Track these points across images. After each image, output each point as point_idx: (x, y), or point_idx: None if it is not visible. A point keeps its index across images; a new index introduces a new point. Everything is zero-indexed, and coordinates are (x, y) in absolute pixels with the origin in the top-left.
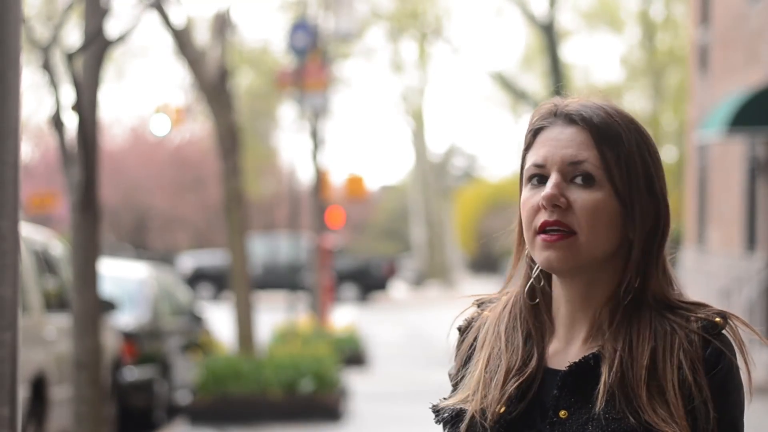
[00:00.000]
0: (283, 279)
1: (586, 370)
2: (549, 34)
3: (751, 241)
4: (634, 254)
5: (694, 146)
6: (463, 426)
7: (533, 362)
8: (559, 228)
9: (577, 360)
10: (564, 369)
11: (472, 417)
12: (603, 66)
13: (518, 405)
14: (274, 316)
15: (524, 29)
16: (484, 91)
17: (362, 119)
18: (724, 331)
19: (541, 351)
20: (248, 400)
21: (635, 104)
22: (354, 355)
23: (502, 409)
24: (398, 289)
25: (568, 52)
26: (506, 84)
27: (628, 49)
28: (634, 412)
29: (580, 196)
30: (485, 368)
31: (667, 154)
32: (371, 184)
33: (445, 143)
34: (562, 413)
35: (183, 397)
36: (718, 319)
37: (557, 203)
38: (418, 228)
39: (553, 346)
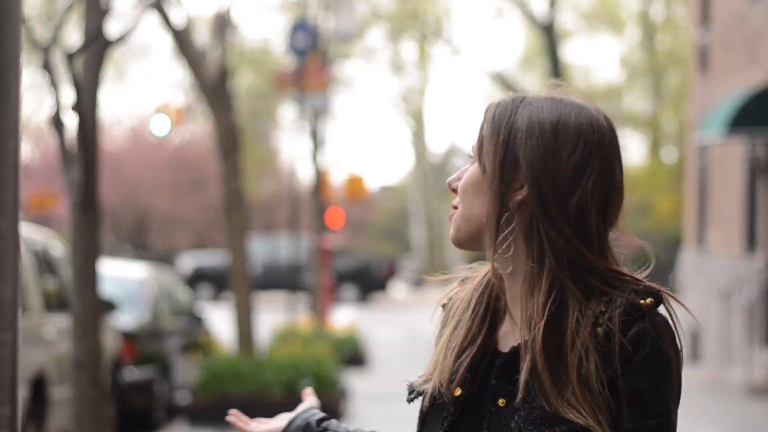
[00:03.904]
0: (283, 279)
1: (517, 359)
2: (549, 34)
3: (751, 241)
4: (514, 221)
5: (695, 147)
6: (425, 403)
7: (480, 339)
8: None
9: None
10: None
11: (432, 394)
12: (603, 67)
13: (471, 386)
14: (274, 316)
15: (524, 30)
16: (484, 92)
17: (362, 119)
18: (660, 309)
19: (492, 332)
20: (248, 400)
21: (635, 105)
22: (354, 356)
23: (458, 392)
24: (398, 289)
25: (568, 52)
26: (506, 85)
27: (628, 49)
28: (547, 399)
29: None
30: (447, 344)
31: (668, 155)
32: (371, 184)
33: (445, 143)
34: (500, 401)
35: (183, 398)
36: (643, 300)
37: (453, 188)
38: (418, 228)
39: (503, 329)
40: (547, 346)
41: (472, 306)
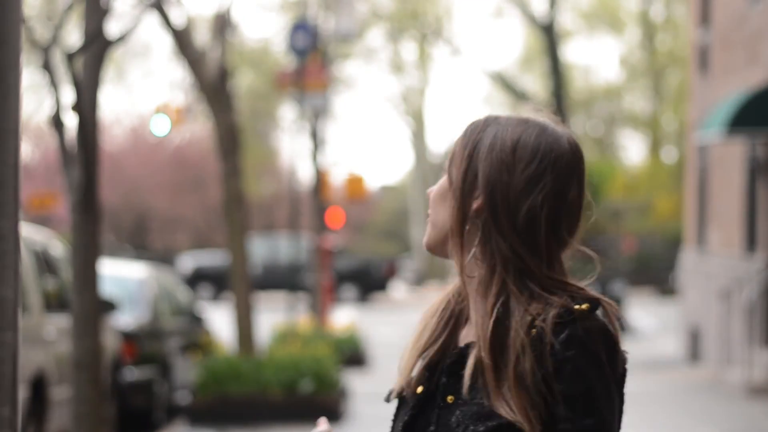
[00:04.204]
0: (283, 279)
1: (465, 358)
2: (549, 34)
3: (751, 241)
4: (465, 229)
5: (694, 147)
6: (393, 401)
7: (442, 340)
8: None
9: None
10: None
11: (399, 392)
12: (603, 67)
13: (430, 384)
14: (274, 316)
15: (524, 30)
16: (484, 92)
17: (362, 119)
18: (597, 313)
19: (455, 333)
20: (248, 400)
21: (635, 105)
22: (354, 356)
23: (419, 389)
24: (398, 289)
25: (568, 52)
26: (506, 85)
27: (629, 49)
28: (488, 395)
29: None
30: (414, 345)
31: (668, 155)
32: (371, 184)
33: (445, 144)
34: (449, 398)
35: (183, 398)
36: (578, 306)
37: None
38: (418, 228)
39: (465, 332)
40: (492, 343)
41: (439, 310)
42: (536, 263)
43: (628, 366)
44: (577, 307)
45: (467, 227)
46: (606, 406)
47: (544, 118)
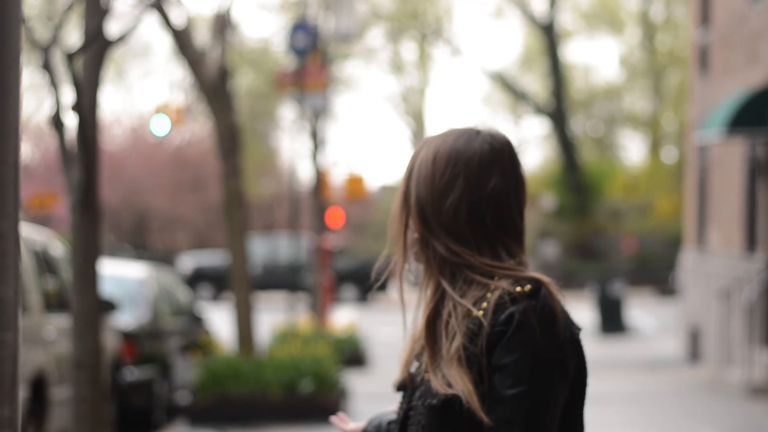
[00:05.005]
0: (283, 279)
1: None
2: (549, 34)
3: (751, 241)
4: (407, 245)
5: (694, 147)
6: (396, 387)
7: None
8: None
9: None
10: None
11: (401, 384)
12: (603, 67)
13: (420, 367)
14: (274, 316)
15: (524, 30)
16: (484, 92)
17: (362, 119)
18: (541, 295)
19: None
20: (248, 400)
21: (635, 105)
22: (354, 356)
23: (413, 370)
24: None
25: (568, 52)
26: (506, 85)
27: (628, 49)
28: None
29: None
30: (410, 336)
31: (668, 155)
32: (371, 184)
33: None
34: (426, 375)
35: (183, 398)
36: (520, 288)
37: None
38: None
39: None
40: (427, 330)
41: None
42: (470, 254)
43: (627, 360)
44: (518, 289)
45: (410, 244)
46: (535, 377)
47: (474, 125)
